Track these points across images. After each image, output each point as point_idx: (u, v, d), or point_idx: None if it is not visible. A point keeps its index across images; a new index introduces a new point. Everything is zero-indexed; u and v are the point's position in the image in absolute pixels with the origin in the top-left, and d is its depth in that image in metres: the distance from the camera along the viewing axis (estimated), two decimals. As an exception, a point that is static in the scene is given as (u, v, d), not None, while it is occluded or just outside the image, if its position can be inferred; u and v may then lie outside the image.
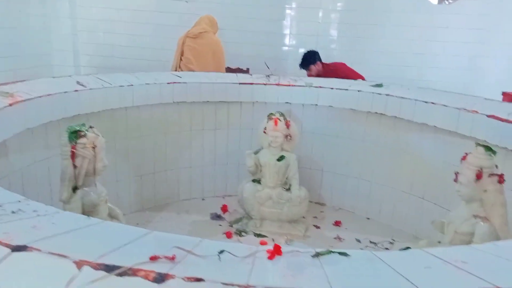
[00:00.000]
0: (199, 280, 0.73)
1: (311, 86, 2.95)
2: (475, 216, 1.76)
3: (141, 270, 0.75)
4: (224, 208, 3.06)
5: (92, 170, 1.86)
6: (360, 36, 4.53)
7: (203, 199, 3.24)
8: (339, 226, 2.94)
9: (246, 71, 4.96)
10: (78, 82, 2.27)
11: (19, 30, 4.31)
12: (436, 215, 2.50)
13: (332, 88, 2.90)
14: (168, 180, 3.07)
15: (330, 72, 3.64)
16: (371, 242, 2.73)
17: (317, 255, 0.89)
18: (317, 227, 2.91)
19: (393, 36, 4.46)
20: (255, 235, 2.74)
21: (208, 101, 2.93)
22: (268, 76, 3.10)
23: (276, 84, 2.97)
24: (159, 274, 0.75)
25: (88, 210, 1.86)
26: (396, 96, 2.61)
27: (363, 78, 3.69)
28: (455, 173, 1.80)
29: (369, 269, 0.84)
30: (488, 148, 1.70)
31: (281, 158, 2.74)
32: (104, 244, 0.86)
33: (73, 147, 1.77)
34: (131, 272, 0.75)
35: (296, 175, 2.79)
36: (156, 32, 4.90)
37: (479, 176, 1.69)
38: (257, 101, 3.05)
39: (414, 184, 2.73)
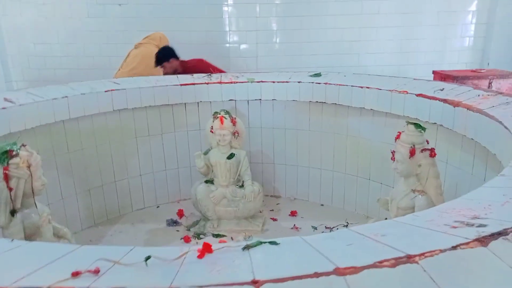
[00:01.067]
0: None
1: (253, 81, 2.98)
2: (413, 190, 1.86)
3: (59, 288, 0.73)
4: (180, 213, 3.02)
5: (30, 190, 1.77)
6: (299, 28, 4.62)
7: (157, 207, 3.18)
8: (295, 216, 3.01)
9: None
10: (5, 99, 2.14)
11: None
12: (382, 193, 2.64)
13: (273, 82, 2.94)
14: (119, 191, 2.98)
15: (188, 69, 3.68)
16: (326, 227, 2.81)
17: (247, 247, 0.90)
18: (274, 220, 2.96)
19: (330, 26, 4.59)
20: (213, 236, 2.73)
21: (150, 106, 2.87)
22: (210, 75, 3.09)
23: (219, 83, 2.97)
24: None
25: (30, 233, 1.77)
26: (334, 84, 2.70)
27: (223, 72, 3.84)
28: (392, 152, 1.89)
29: (296, 253, 0.87)
30: (418, 125, 1.80)
31: (231, 156, 2.75)
32: (27, 266, 0.83)
33: (5, 168, 1.67)
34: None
35: (247, 170, 2.81)
36: (90, 39, 4.72)
37: (412, 152, 1.79)
38: (201, 101, 3.03)
39: (360, 167, 2.84)
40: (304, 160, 3.14)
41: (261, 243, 0.92)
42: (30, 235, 1.77)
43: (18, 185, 1.71)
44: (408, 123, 1.84)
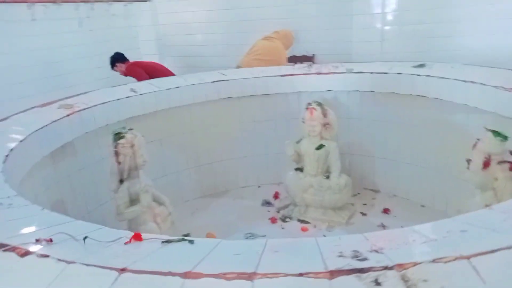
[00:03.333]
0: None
1: (351, 72, 2.92)
2: (487, 206, 1.65)
3: (18, 247, 0.99)
4: (276, 195, 3.24)
5: (134, 165, 2.23)
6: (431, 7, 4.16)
7: (259, 187, 3.46)
8: (387, 213, 2.89)
9: (311, 58, 5.00)
10: (131, 89, 2.68)
11: (111, 42, 5.02)
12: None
13: (371, 73, 2.83)
14: (226, 169, 3.36)
15: (145, 68, 4.15)
16: (416, 230, 2.63)
17: (167, 241, 1.02)
18: (364, 214, 2.91)
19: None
20: (298, 221, 2.87)
21: (252, 95, 3.12)
22: (310, 65, 3.15)
23: (317, 73, 3.01)
24: (27, 251, 0.97)
25: (133, 198, 2.24)
26: (436, 77, 2.45)
27: (173, 74, 4.11)
28: (467, 160, 1.70)
29: (196, 252, 0.96)
30: (497, 133, 1.57)
31: (320, 147, 2.80)
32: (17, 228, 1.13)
33: (115, 147, 2.15)
34: (11, 249, 0.98)
35: (336, 162, 2.82)
36: (226, 29, 5.24)
37: (486, 164, 1.58)
38: (300, 91, 3.13)
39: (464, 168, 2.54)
40: (405, 155, 2.96)
41: (182, 239, 1.04)
42: (133, 200, 2.23)
43: (124, 160, 2.18)
44: (487, 129, 1.62)
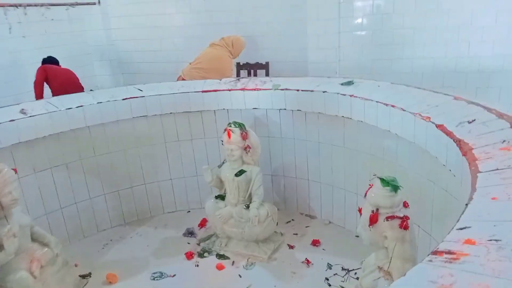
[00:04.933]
0: None
1: (277, 89, 2.61)
2: (380, 268, 1.34)
3: None
4: (202, 223, 2.93)
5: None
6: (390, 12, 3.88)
7: (188, 212, 3.15)
8: (317, 246, 2.59)
9: (265, 66, 4.69)
10: (21, 111, 2.35)
11: (55, 48, 4.67)
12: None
13: (298, 90, 2.52)
14: (149, 193, 3.05)
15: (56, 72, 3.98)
16: (343, 269, 2.34)
17: None
18: (291, 247, 2.60)
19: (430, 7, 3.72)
20: (217, 256, 2.56)
21: (171, 113, 2.80)
22: (237, 80, 2.84)
23: (242, 89, 2.70)
24: None
25: (1, 243, 1.91)
26: (360, 98, 2.15)
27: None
28: (358, 209, 1.39)
29: None
30: (386, 182, 1.27)
31: (240, 173, 2.50)
32: None
33: (-31, 185, 1.82)
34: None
35: (258, 191, 2.52)
36: (179, 34, 4.93)
37: (373, 218, 1.28)
38: (228, 108, 2.82)
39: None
40: (339, 180, 2.66)
41: None
42: (1, 245, 1.90)
43: (-17, 200, 1.85)
44: (375, 176, 1.31)
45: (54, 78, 3.89)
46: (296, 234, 2.75)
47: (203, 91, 2.76)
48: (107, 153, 2.81)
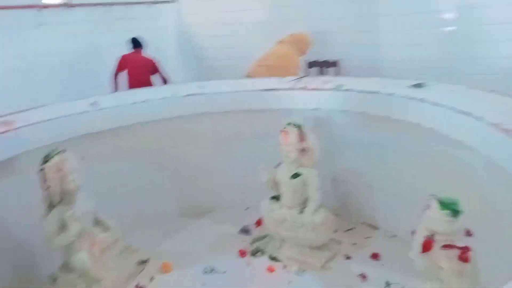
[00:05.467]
0: None
1: (340, 89, 2.46)
2: (432, 302, 1.18)
3: None
4: (259, 222, 2.88)
5: (64, 190, 2.05)
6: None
7: (246, 209, 3.13)
8: (376, 259, 2.41)
9: (335, 64, 4.49)
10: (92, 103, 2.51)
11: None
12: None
13: (361, 92, 2.35)
14: (210, 188, 3.09)
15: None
16: (403, 288, 2.14)
17: None
18: (348, 258, 2.45)
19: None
20: (269, 258, 2.51)
21: (232, 111, 2.80)
22: (299, 79, 2.74)
23: (302, 89, 2.60)
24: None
25: (62, 226, 2.06)
26: (430, 103, 1.93)
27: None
28: (412, 232, 1.24)
29: None
30: (445, 205, 1.10)
31: (295, 176, 2.41)
32: None
33: (40, 170, 1.99)
34: None
35: (315, 195, 2.41)
36: (248, 31, 4.94)
37: (426, 245, 1.12)
38: (288, 108, 2.73)
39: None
40: (406, 190, 2.43)
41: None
42: (62, 228, 2.05)
43: (51, 185, 2.01)
44: (433, 197, 1.15)
45: (129, 68, 4.14)
46: (355, 244, 2.59)
47: (263, 90, 2.71)
48: (171, 147, 2.90)
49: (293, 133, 2.34)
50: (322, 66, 4.56)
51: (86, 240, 2.15)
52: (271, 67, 3.75)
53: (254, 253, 2.57)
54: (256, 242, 2.66)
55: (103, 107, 2.54)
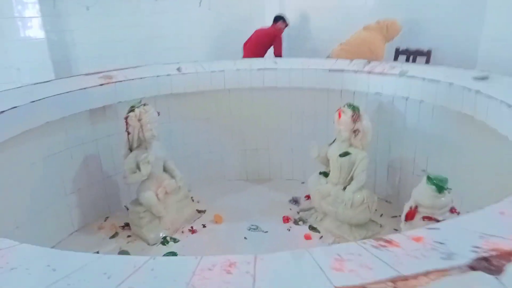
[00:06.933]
0: None
1: (404, 75, 2.47)
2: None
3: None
4: (308, 196, 3.06)
5: (142, 137, 2.48)
6: None
7: (302, 183, 3.31)
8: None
9: (427, 53, 4.29)
10: (177, 69, 2.91)
11: (234, 23, 5.37)
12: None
13: (423, 79, 2.34)
14: (272, 158, 3.34)
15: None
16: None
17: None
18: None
19: None
20: (309, 228, 2.69)
21: (299, 87, 2.97)
22: (367, 63, 2.79)
23: (367, 72, 2.66)
24: None
25: (138, 167, 2.50)
26: (491, 97, 1.88)
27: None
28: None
29: None
30: (431, 181, 1.20)
31: (344, 154, 2.53)
32: None
33: (125, 118, 2.43)
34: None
35: (360, 176, 2.50)
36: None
37: (409, 215, 1.24)
38: (353, 90, 2.82)
39: None
40: (458, 186, 2.37)
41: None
42: (137, 168, 2.49)
43: (133, 131, 2.44)
44: (424, 172, 1.24)
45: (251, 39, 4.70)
46: (396, 230, 2.62)
47: (330, 70, 2.83)
48: (240, 116, 3.20)
49: (347, 114, 2.44)
50: (413, 54, 4.40)
51: (154, 182, 2.57)
52: (352, 52, 3.78)
53: (297, 221, 2.76)
54: (301, 212, 2.85)
55: (185, 72, 2.91)
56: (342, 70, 2.79)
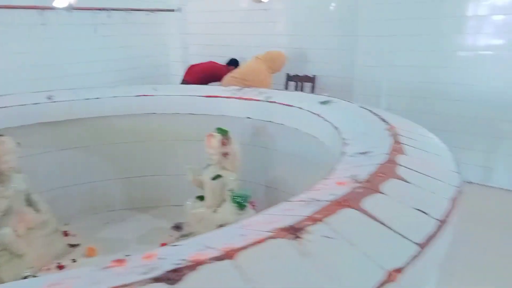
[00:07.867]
0: None
1: (267, 101, 2.63)
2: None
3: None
4: (195, 220, 3.07)
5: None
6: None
7: (187, 206, 3.31)
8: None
9: (312, 79, 4.65)
10: (48, 97, 2.80)
11: (131, 48, 5.34)
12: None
13: (282, 104, 2.52)
14: (157, 184, 3.30)
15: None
16: None
17: None
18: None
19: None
20: (187, 253, 2.68)
21: (178, 113, 3.02)
22: (240, 89, 2.93)
23: (238, 98, 2.79)
24: None
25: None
26: (329, 121, 2.07)
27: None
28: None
29: None
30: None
31: (216, 177, 2.59)
32: None
33: (-24, 150, 2.27)
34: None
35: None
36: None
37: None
38: (229, 116, 2.93)
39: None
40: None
41: None
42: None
43: (-14, 164, 2.28)
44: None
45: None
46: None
47: (206, 96, 2.92)
48: (122, 143, 3.14)
49: (216, 137, 2.52)
50: (301, 80, 4.73)
51: (13, 219, 2.39)
52: (240, 80, 3.96)
53: (177, 247, 2.74)
54: (181, 238, 2.84)
55: (56, 100, 2.81)
56: (216, 96, 2.89)
